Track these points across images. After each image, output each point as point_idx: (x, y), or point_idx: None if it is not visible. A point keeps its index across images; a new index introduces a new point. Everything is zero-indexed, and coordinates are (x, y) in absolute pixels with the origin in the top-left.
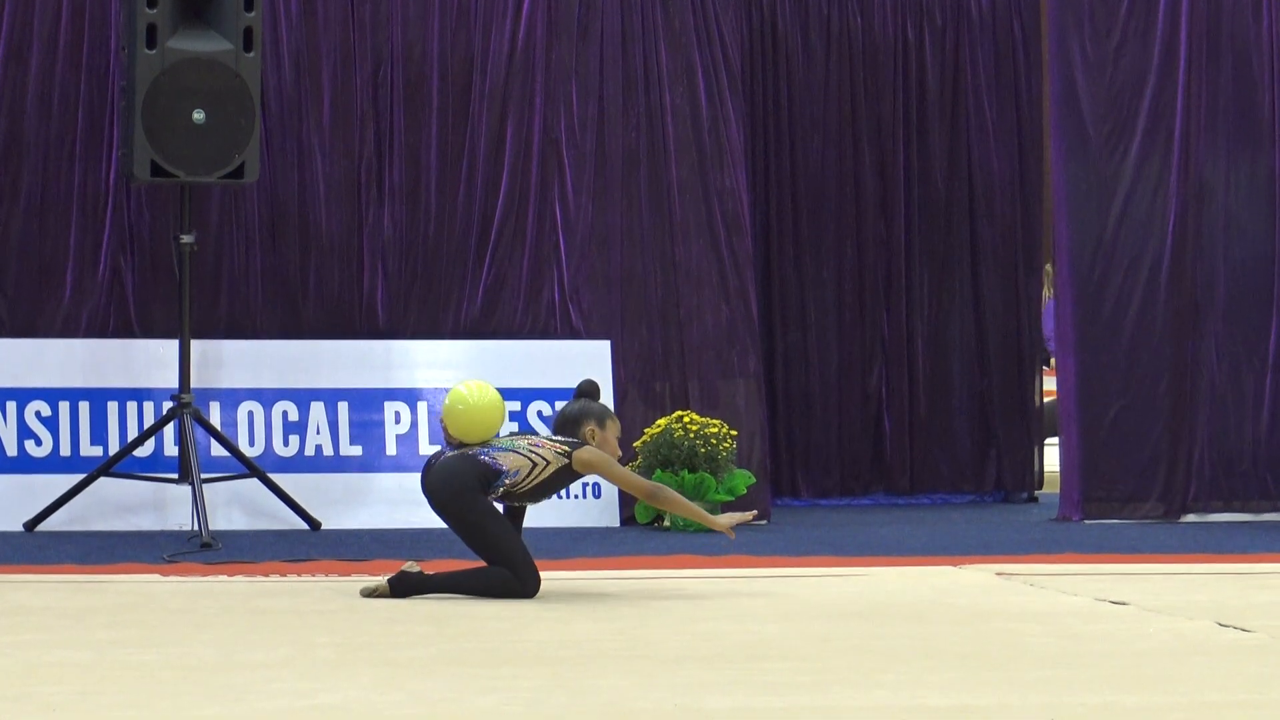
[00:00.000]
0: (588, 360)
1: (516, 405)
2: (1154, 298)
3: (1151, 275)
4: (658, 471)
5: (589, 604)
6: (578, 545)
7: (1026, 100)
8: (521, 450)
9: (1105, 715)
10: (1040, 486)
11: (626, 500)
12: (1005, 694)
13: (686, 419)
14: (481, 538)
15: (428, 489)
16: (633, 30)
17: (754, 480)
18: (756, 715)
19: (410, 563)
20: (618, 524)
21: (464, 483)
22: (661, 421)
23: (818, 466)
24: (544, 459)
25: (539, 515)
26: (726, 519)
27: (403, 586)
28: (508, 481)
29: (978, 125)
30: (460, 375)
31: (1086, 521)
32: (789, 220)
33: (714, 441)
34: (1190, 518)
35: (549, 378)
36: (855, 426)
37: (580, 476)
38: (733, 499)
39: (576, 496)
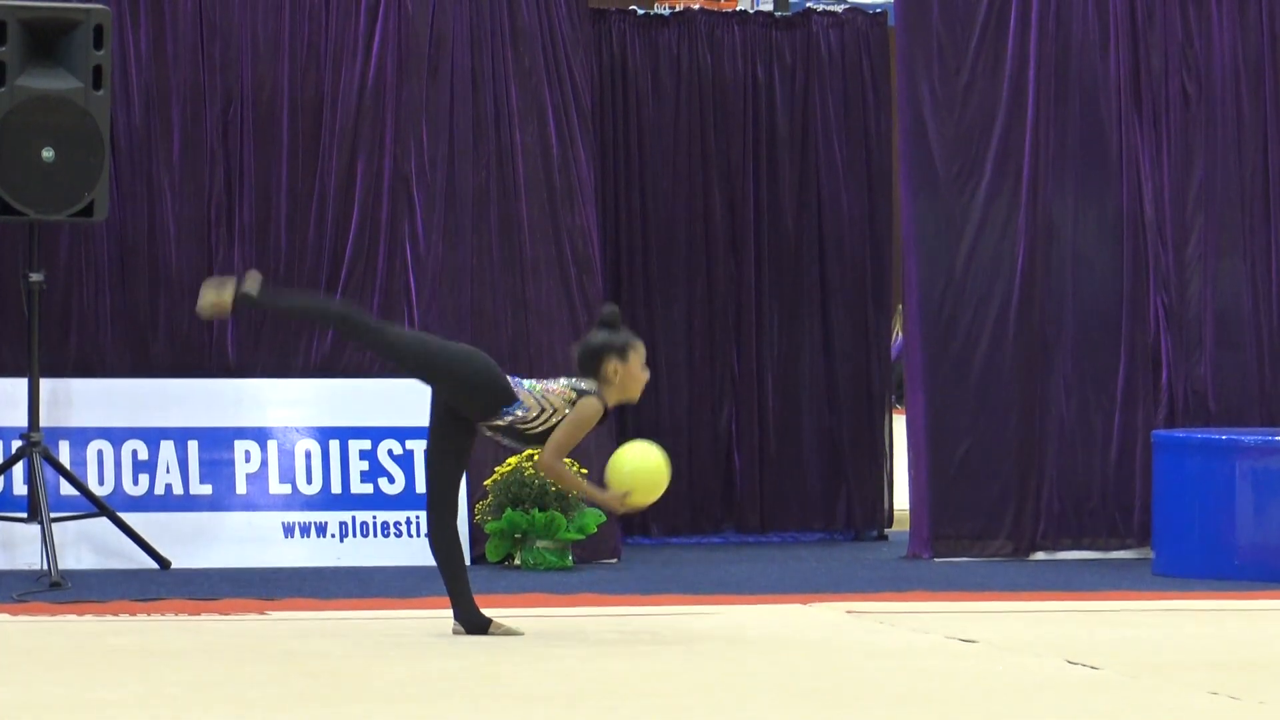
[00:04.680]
0: None
1: (367, 444)
2: (1003, 336)
3: (1000, 314)
4: (508, 510)
5: (440, 642)
6: (427, 584)
7: (876, 139)
8: (536, 394)
9: None
10: (890, 524)
11: (477, 539)
12: None
13: (537, 457)
14: (443, 452)
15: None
16: (483, 69)
17: (604, 519)
18: None
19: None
20: (468, 563)
21: (489, 385)
22: (512, 460)
23: (668, 505)
24: (552, 406)
25: (386, 554)
26: (614, 493)
27: (243, 305)
28: (518, 413)
29: (827, 164)
30: (310, 414)
31: (936, 559)
32: (639, 259)
33: None
34: (1039, 555)
35: (399, 416)
36: (705, 465)
37: None
38: (583, 537)
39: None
